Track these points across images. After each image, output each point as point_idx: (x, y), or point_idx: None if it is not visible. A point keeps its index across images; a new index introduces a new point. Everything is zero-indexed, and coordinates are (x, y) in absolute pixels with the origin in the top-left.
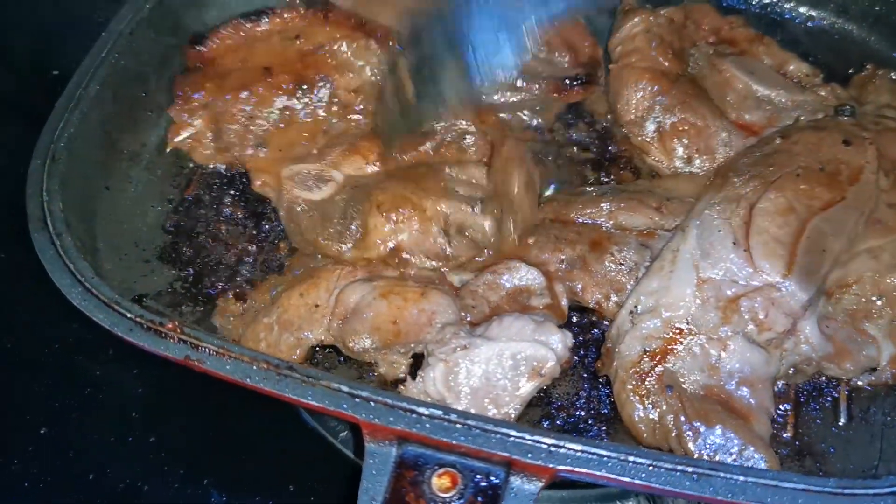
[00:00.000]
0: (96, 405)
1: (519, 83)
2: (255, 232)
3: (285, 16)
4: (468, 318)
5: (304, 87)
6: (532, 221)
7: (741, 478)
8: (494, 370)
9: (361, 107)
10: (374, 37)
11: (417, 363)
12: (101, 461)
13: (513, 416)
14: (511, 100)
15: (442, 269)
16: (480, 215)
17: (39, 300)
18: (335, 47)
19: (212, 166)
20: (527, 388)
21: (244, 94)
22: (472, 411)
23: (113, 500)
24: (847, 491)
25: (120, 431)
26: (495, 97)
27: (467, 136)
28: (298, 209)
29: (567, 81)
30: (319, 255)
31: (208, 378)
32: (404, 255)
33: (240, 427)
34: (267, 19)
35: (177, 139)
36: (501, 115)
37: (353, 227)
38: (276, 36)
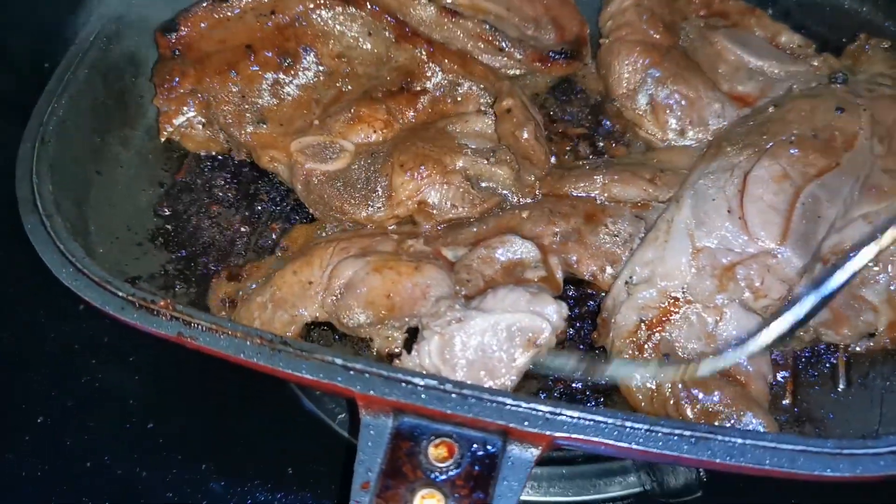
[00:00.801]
0: (93, 393)
1: (504, 46)
2: (247, 213)
3: None
4: (463, 292)
5: (289, 60)
6: (546, 164)
7: (739, 440)
8: (490, 341)
9: (348, 70)
10: (348, 0)
11: (413, 338)
12: (99, 449)
13: (509, 387)
14: (493, 63)
15: (437, 243)
16: (496, 165)
17: (38, 297)
18: (312, 17)
19: (203, 153)
20: (522, 358)
21: (232, 75)
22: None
23: (111, 487)
24: (846, 451)
25: (117, 419)
26: (479, 57)
27: (458, 88)
28: (316, 181)
29: (551, 53)
30: (337, 223)
31: (205, 363)
32: (431, 210)
33: (237, 411)
34: None
35: (169, 128)
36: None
37: (379, 188)
38: (250, 13)
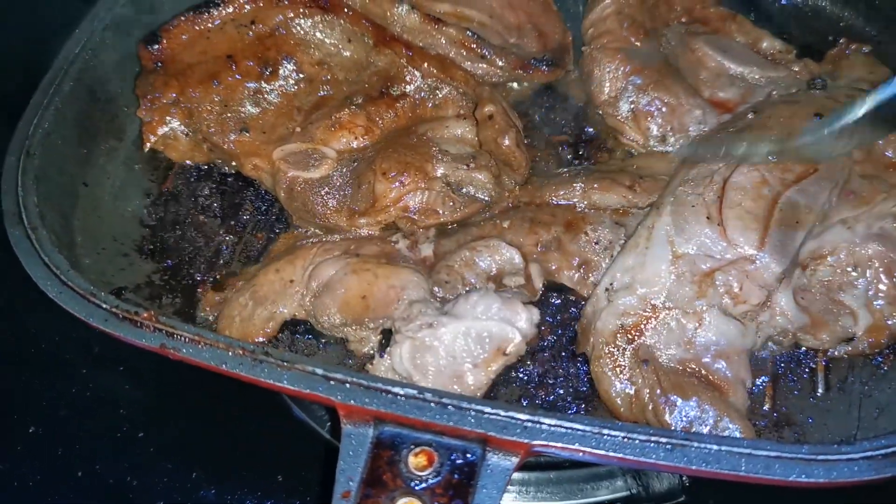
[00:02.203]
0: (85, 402)
1: (486, 53)
2: (232, 222)
3: (239, 1)
4: (440, 294)
5: (270, 69)
6: (526, 170)
7: (715, 447)
8: (460, 348)
9: (328, 77)
10: (327, 8)
11: (388, 340)
12: (91, 457)
13: (478, 395)
14: (476, 70)
15: (416, 239)
16: (476, 170)
17: (29, 307)
18: (291, 26)
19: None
20: (492, 367)
21: (214, 85)
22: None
23: (103, 496)
24: (821, 457)
25: (109, 428)
26: (462, 65)
27: (438, 92)
28: (299, 188)
29: (533, 61)
30: (319, 231)
31: (195, 372)
32: (413, 216)
33: (227, 420)
34: (218, 10)
35: (152, 139)
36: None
37: (361, 196)
38: (231, 24)
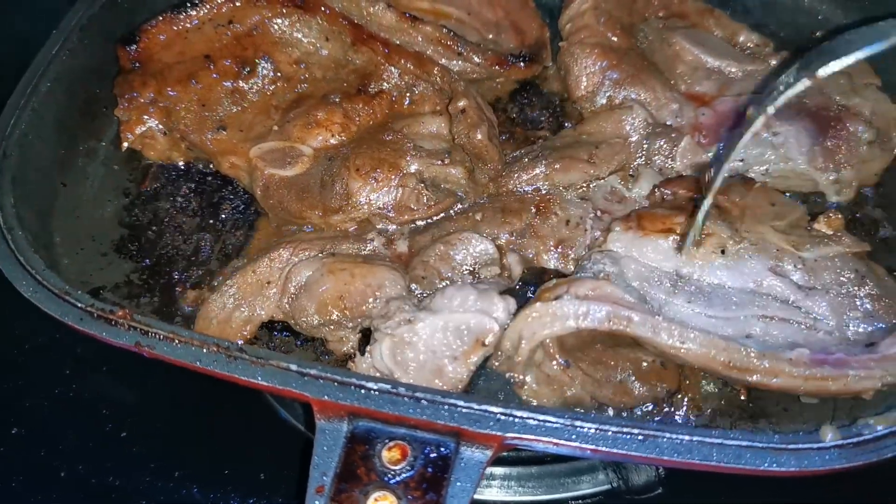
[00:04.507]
0: (68, 403)
1: (461, 50)
2: (211, 221)
3: (217, 1)
4: (417, 291)
5: (248, 68)
6: (500, 164)
7: (687, 437)
8: (439, 343)
9: (306, 75)
10: (304, 8)
11: (368, 339)
12: (74, 458)
13: (459, 388)
14: (453, 67)
15: (390, 236)
16: (450, 165)
17: (10, 303)
18: (269, 25)
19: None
20: (471, 359)
21: (192, 85)
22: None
23: (86, 496)
24: (791, 446)
25: (92, 428)
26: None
27: (415, 89)
28: (275, 186)
29: (510, 57)
30: (295, 228)
31: (178, 372)
32: (387, 213)
33: (210, 419)
34: (196, 10)
35: (130, 138)
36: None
37: (336, 193)
38: (209, 24)
